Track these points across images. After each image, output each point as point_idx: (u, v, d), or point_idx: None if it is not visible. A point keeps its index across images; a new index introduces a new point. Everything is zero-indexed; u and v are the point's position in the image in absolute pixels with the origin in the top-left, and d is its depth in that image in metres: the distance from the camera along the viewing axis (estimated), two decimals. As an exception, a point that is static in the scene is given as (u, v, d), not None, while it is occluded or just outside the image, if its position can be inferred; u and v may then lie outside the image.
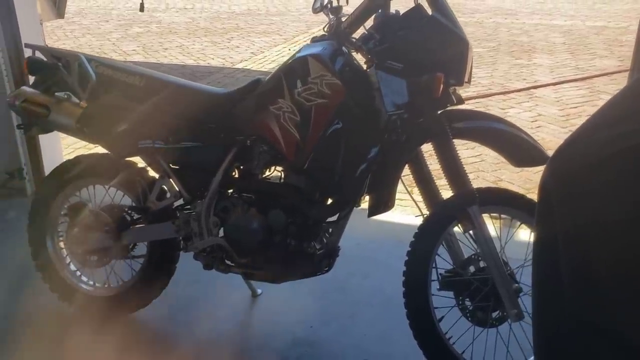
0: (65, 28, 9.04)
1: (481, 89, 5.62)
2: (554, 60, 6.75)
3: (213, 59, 7.22)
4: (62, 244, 2.32)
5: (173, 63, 7.00)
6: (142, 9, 7.01)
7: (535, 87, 5.66)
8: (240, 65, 6.85)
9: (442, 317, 1.97)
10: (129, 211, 2.20)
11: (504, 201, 1.98)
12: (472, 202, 1.89)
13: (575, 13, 10.12)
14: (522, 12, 10.30)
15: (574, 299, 0.86)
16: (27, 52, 2.22)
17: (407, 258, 1.95)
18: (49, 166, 3.31)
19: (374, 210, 1.96)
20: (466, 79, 1.84)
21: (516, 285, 1.89)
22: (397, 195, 1.99)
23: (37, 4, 3.54)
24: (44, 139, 3.37)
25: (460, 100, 1.89)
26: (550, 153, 0.99)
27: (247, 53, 7.48)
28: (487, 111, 4.97)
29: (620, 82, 5.53)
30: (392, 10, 1.90)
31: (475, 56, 6.88)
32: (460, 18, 1.87)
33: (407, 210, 3.18)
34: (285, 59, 2.06)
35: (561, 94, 5.47)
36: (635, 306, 0.77)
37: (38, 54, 2.13)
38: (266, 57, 7.19)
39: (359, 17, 1.88)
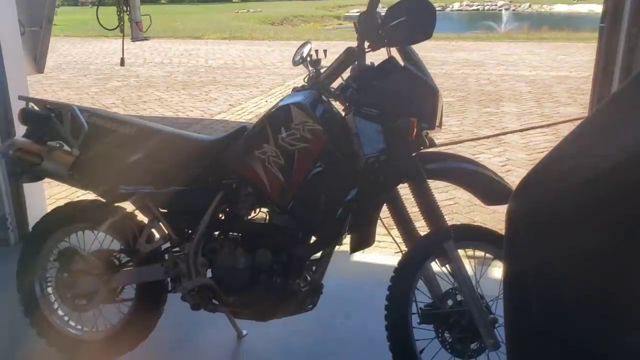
0: (43, 82, 9.15)
1: (452, 136, 5.84)
2: (521, 108, 7.07)
3: (192, 110, 7.38)
4: (50, 289, 2.36)
5: (152, 115, 7.12)
6: (122, 63, 7.12)
7: (503, 134, 5.91)
8: (219, 117, 7.00)
9: (423, 349, 2.05)
10: (118, 255, 2.26)
11: (478, 237, 2.10)
12: (447, 238, 2.00)
13: (539, 64, 10.62)
14: (489, 64, 10.77)
15: (543, 320, 0.93)
16: (19, 104, 2.31)
17: (388, 293, 2.05)
18: (33, 216, 3.35)
19: (356, 247, 2.06)
20: (437, 124, 1.99)
21: (492, 316, 1.99)
22: (377, 237, 2.10)
23: (23, 59, 3.65)
24: (28, 190, 3.42)
25: (433, 143, 2.03)
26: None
27: (225, 105, 7.66)
28: (459, 157, 5.17)
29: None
30: (367, 62, 2.06)
31: (445, 105, 7.16)
32: (430, 69, 2.03)
33: (385, 251, 3.29)
34: (262, 110, 2.19)
35: (528, 139, 5.73)
36: (601, 324, 0.84)
37: (31, 105, 2.24)
38: (244, 109, 7.36)
39: (337, 69, 2.04)
